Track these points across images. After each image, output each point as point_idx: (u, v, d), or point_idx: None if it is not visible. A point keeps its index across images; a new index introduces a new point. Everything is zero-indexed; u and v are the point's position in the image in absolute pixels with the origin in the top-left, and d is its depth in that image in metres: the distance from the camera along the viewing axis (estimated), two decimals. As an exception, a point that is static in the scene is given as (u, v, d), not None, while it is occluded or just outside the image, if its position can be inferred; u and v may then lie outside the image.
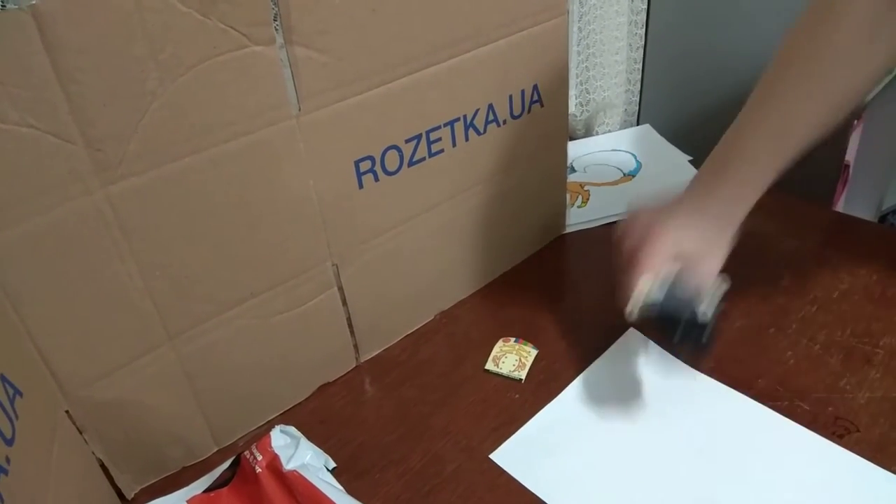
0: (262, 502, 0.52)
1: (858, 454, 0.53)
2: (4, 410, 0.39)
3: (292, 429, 0.57)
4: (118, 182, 0.45)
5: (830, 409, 0.57)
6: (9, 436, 0.39)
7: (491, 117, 0.66)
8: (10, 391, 0.41)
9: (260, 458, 0.54)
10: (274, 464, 0.53)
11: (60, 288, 0.46)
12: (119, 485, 0.54)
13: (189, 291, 0.52)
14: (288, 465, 0.53)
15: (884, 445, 0.54)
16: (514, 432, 0.58)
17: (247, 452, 0.54)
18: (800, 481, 0.52)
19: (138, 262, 0.48)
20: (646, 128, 1.03)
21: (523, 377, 0.63)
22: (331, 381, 0.65)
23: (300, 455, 0.54)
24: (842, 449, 0.53)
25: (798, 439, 0.55)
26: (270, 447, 0.54)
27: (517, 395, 0.62)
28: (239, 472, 0.55)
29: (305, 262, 0.58)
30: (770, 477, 0.52)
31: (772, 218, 0.81)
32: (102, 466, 0.53)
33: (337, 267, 0.60)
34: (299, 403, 0.63)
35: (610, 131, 1.06)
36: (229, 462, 0.56)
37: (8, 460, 0.38)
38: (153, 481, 0.56)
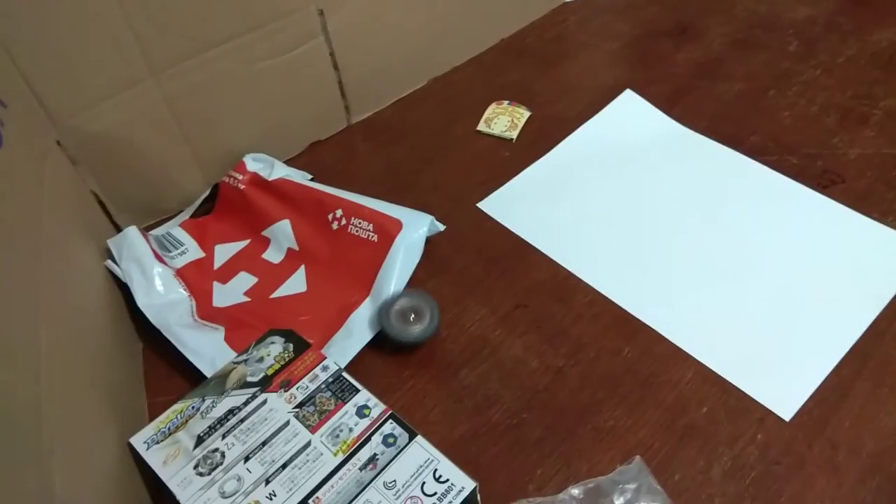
0: (251, 214, 0.54)
1: (841, 203, 0.54)
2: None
3: (263, 154, 0.57)
4: None
5: (819, 163, 0.57)
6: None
7: None
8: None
9: (240, 177, 0.55)
10: (256, 178, 0.55)
11: (40, 13, 0.44)
12: (116, 221, 0.56)
13: (168, 25, 0.50)
14: (271, 178, 0.55)
15: (867, 195, 0.54)
16: (502, 185, 0.59)
17: (225, 178, 0.55)
18: (783, 227, 0.53)
19: (114, -12, 0.46)
20: None
21: (514, 137, 0.63)
22: (322, 139, 0.65)
23: (278, 170, 0.55)
24: (825, 197, 0.54)
25: (783, 189, 0.55)
26: (247, 169, 0.55)
27: (507, 154, 0.62)
28: (220, 198, 0.56)
29: (287, 4, 0.55)
30: (754, 224, 0.53)
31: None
32: (101, 203, 0.54)
33: (323, 14, 0.58)
34: (291, 158, 0.63)
35: None
36: (208, 191, 0.58)
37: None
38: (150, 223, 0.58)
